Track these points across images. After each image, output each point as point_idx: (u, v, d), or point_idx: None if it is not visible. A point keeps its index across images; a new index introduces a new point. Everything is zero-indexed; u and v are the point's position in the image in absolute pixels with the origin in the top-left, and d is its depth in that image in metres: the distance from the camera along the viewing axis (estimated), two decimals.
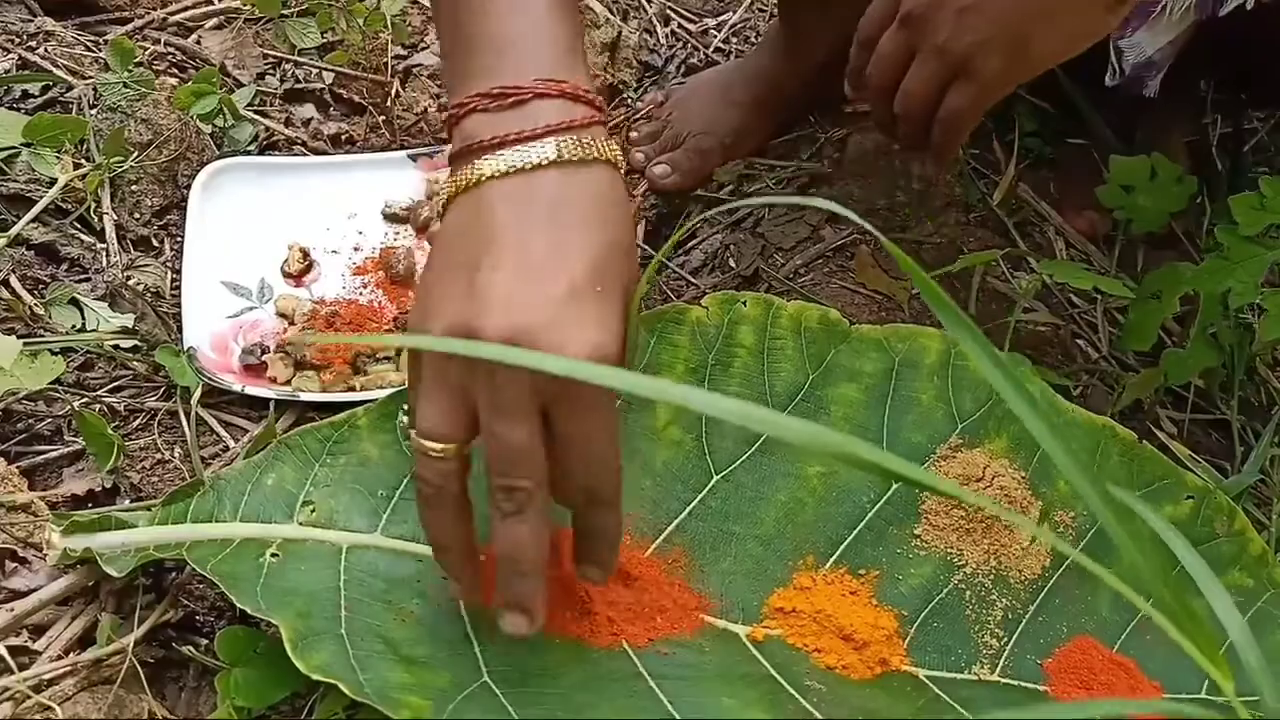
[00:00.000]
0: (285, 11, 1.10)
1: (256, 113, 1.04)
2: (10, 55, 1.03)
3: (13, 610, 0.66)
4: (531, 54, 0.57)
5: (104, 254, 0.90)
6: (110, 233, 0.91)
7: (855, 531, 0.66)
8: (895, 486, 0.67)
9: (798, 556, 0.66)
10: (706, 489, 0.67)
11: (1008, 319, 0.88)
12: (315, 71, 1.09)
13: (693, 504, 0.67)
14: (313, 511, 0.65)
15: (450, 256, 0.55)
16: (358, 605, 0.61)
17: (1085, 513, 0.67)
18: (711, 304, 0.70)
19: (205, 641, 0.67)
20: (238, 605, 0.62)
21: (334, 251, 0.94)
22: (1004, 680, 0.64)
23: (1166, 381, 0.85)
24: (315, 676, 0.58)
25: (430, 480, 0.55)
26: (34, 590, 0.68)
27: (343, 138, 1.05)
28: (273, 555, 0.63)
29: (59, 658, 0.66)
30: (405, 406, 0.59)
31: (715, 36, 1.22)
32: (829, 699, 0.60)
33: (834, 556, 0.66)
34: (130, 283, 0.87)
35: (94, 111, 0.97)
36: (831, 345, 0.69)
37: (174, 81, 1.01)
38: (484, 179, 0.55)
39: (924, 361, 0.70)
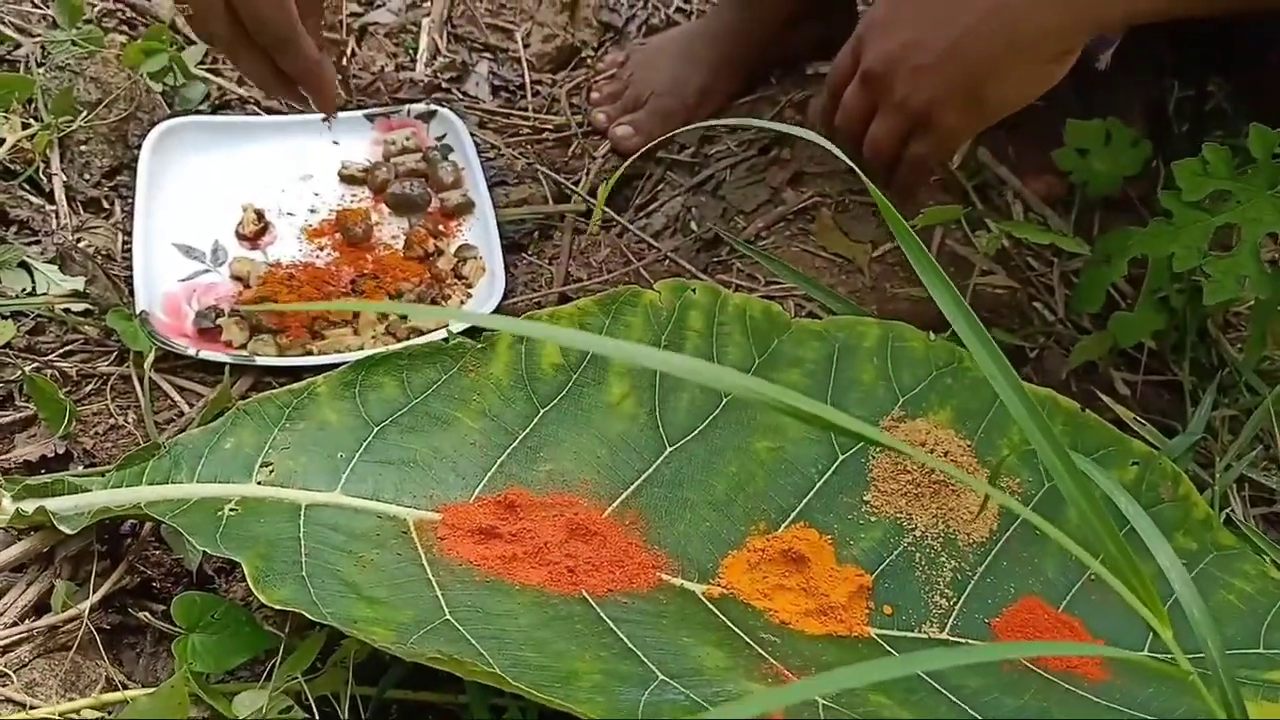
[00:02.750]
0: None
1: (209, 71, 1.02)
2: None
3: None
4: None
5: (54, 216, 0.89)
6: (60, 194, 0.90)
7: (805, 500, 0.68)
8: (843, 457, 0.69)
9: (749, 522, 0.68)
10: (661, 459, 0.69)
11: (966, 281, 0.89)
12: None
13: (647, 472, 0.68)
14: (271, 472, 0.66)
15: None
16: (318, 553, 0.62)
17: (1031, 479, 0.69)
18: (663, 289, 0.73)
19: (162, 608, 0.67)
20: (198, 548, 0.62)
21: (289, 213, 0.93)
22: (952, 638, 0.65)
23: (1116, 344, 0.86)
24: (277, 607, 0.59)
25: None
26: None
27: None
28: (231, 510, 0.64)
29: (13, 625, 0.66)
30: None
31: None
32: (782, 649, 0.61)
33: (785, 523, 0.68)
34: (80, 245, 0.86)
35: (42, 70, 0.95)
36: (775, 335, 0.72)
37: (123, 39, 0.99)
38: None
39: (862, 345, 0.72)
